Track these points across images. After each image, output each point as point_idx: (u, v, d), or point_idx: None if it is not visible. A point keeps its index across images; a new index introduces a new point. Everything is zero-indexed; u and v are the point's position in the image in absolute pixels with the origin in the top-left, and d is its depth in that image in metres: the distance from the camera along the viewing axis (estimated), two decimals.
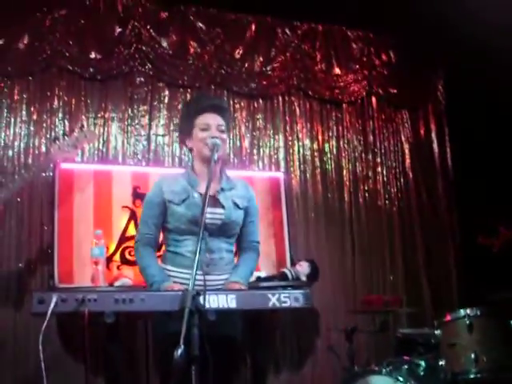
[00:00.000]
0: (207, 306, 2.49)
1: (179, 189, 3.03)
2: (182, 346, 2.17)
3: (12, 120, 4.54)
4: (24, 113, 4.59)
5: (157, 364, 4.22)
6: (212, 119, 3.06)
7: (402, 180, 5.63)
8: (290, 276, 4.43)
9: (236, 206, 3.03)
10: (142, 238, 3.06)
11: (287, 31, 5.39)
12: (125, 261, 4.34)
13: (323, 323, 4.92)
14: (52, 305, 2.57)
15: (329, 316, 4.92)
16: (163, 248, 3.14)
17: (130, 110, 4.82)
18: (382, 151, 5.61)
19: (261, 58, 5.24)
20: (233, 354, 3.05)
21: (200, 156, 3.06)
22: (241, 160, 5.06)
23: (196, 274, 2.39)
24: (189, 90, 4.97)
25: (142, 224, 3.10)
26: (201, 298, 2.41)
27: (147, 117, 4.85)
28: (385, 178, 5.56)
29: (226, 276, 3.00)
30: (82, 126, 3.73)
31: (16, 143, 4.51)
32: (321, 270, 4.66)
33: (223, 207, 2.90)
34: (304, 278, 4.49)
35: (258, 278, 4.35)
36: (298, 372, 4.84)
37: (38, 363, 4.01)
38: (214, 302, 2.65)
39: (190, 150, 3.13)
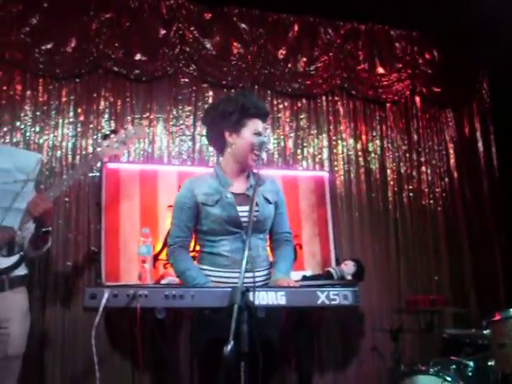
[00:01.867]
0: (256, 302, 2.50)
1: (211, 190, 3.03)
2: (232, 342, 2.18)
3: (60, 121, 4.64)
4: (71, 114, 4.67)
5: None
6: (261, 127, 3.08)
7: (446, 179, 5.56)
8: (335, 275, 4.42)
9: (267, 201, 3.04)
10: (177, 241, 3.07)
11: (330, 31, 5.37)
12: None
13: (368, 323, 4.89)
14: (104, 300, 2.61)
15: (373, 316, 4.90)
16: (197, 249, 3.17)
17: (174, 111, 4.88)
18: (427, 150, 5.55)
19: (304, 58, 5.23)
20: (275, 354, 3.05)
21: (239, 156, 3.05)
22: (285, 160, 5.07)
23: (244, 270, 2.40)
24: (232, 91, 4.98)
25: (175, 227, 3.10)
26: (250, 295, 2.42)
27: (192, 117, 4.90)
28: (429, 178, 5.49)
29: (264, 273, 3.03)
30: (132, 123, 3.79)
31: (64, 144, 4.61)
32: (366, 270, 4.65)
33: (256, 204, 2.90)
34: (349, 278, 4.47)
35: (304, 277, 4.35)
36: (342, 372, 4.81)
37: (86, 360, 4.14)
38: (264, 298, 2.66)
39: (224, 144, 3.11)
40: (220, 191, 3.01)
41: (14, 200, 2.71)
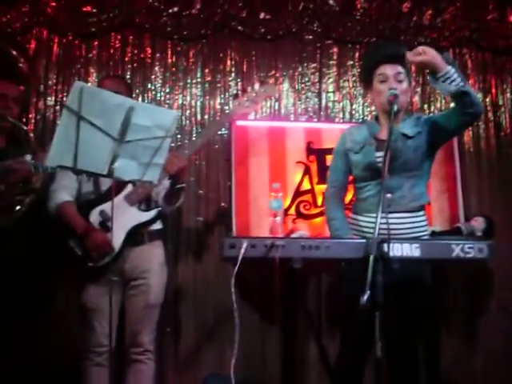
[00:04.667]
0: (391, 254, 2.53)
1: (359, 138, 3.14)
2: (368, 292, 2.22)
3: (188, 81, 4.77)
4: (199, 74, 4.79)
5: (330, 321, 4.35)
6: (390, 69, 3.08)
7: None
8: (464, 231, 4.34)
9: (405, 136, 3.06)
10: (330, 186, 3.31)
11: None
12: (300, 214, 4.48)
13: (497, 282, 4.75)
14: (243, 250, 2.71)
15: (504, 275, 4.72)
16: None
17: (300, 68, 4.88)
18: None
19: (430, 11, 5.04)
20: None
21: (380, 108, 3.14)
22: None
23: (380, 220, 2.43)
24: (357, 46, 4.93)
25: (331, 172, 3.34)
26: (385, 246, 2.44)
27: (317, 74, 4.88)
28: None
29: (412, 214, 3.03)
30: (262, 81, 3.87)
31: (193, 103, 4.75)
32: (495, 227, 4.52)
33: (389, 146, 2.80)
34: (479, 234, 4.37)
35: (433, 233, 4.29)
36: (469, 331, 4.71)
37: (217, 310, 4.30)
38: (398, 250, 2.68)
39: (373, 100, 3.25)
40: (366, 139, 3.08)
41: (154, 156, 2.85)
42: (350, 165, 3.21)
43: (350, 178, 3.32)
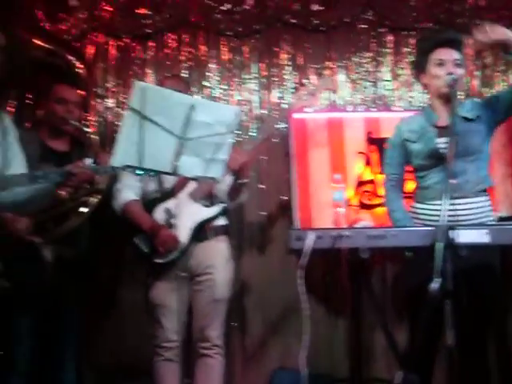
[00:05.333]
0: (459, 241, 2.49)
1: (416, 127, 3.11)
2: (438, 280, 2.19)
3: (244, 77, 4.80)
4: (255, 69, 4.80)
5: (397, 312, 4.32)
6: (447, 54, 3.06)
7: None
8: None
9: (465, 119, 3.01)
10: (388, 179, 3.25)
11: None
12: (362, 205, 4.47)
13: None
14: (311, 241, 2.71)
15: None
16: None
17: (355, 58, 4.83)
18: None
19: None
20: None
21: (436, 93, 3.09)
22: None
23: (446, 207, 2.40)
24: (412, 33, 4.83)
25: (386, 166, 3.30)
26: (453, 233, 2.41)
27: (373, 63, 4.83)
28: None
29: (477, 199, 2.98)
30: (321, 74, 3.88)
31: (250, 98, 4.77)
32: None
33: (452, 130, 2.81)
34: None
35: (500, 218, 4.21)
36: None
37: (282, 304, 4.30)
38: (467, 236, 2.63)
39: (425, 85, 3.18)
40: (424, 127, 3.05)
41: (216, 152, 2.87)
42: (406, 156, 3.17)
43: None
